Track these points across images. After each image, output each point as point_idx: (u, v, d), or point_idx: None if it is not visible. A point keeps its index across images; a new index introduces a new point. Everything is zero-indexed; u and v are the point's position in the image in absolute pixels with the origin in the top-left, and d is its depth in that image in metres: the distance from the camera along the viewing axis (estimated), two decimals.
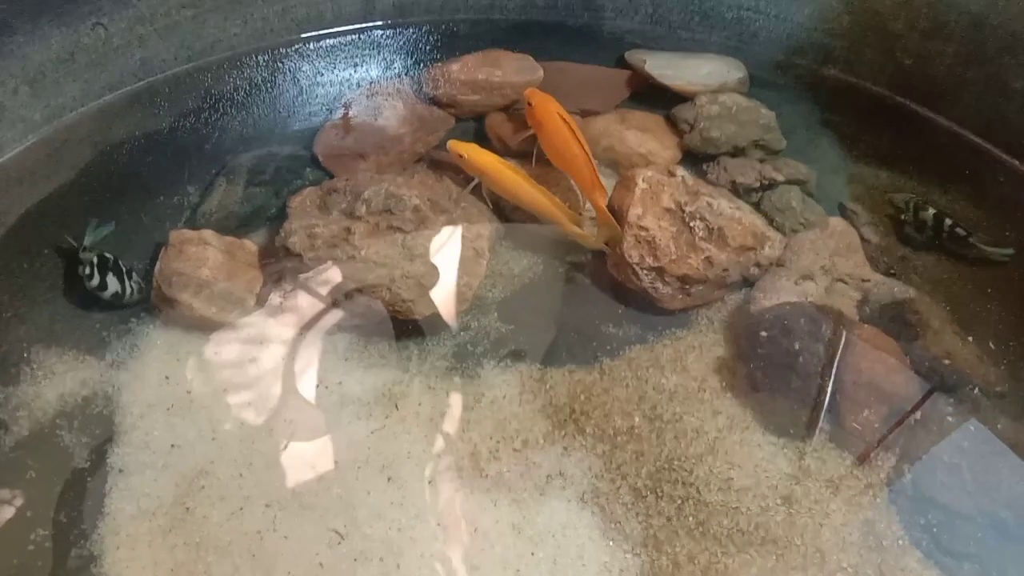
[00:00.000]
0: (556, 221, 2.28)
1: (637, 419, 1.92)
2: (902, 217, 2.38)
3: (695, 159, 2.55)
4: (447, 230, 2.21)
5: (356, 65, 2.89)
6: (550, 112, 2.35)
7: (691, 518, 1.75)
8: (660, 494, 1.79)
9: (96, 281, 2.02)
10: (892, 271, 2.25)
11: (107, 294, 2.04)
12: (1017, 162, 2.56)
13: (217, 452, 1.83)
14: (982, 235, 2.31)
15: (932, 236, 2.32)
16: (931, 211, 2.32)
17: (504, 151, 2.52)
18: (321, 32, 2.97)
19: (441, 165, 2.47)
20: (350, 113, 2.67)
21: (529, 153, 2.49)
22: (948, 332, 2.07)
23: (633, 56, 2.87)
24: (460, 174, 2.40)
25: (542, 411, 1.93)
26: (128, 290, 2.06)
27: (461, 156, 2.32)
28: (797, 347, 1.94)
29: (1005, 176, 2.55)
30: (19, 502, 1.73)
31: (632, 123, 2.63)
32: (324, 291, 2.08)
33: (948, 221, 2.29)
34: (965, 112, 2.66)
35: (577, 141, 2.30)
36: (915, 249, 2.34)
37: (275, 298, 2.11)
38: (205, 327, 2.05)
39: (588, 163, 2.28)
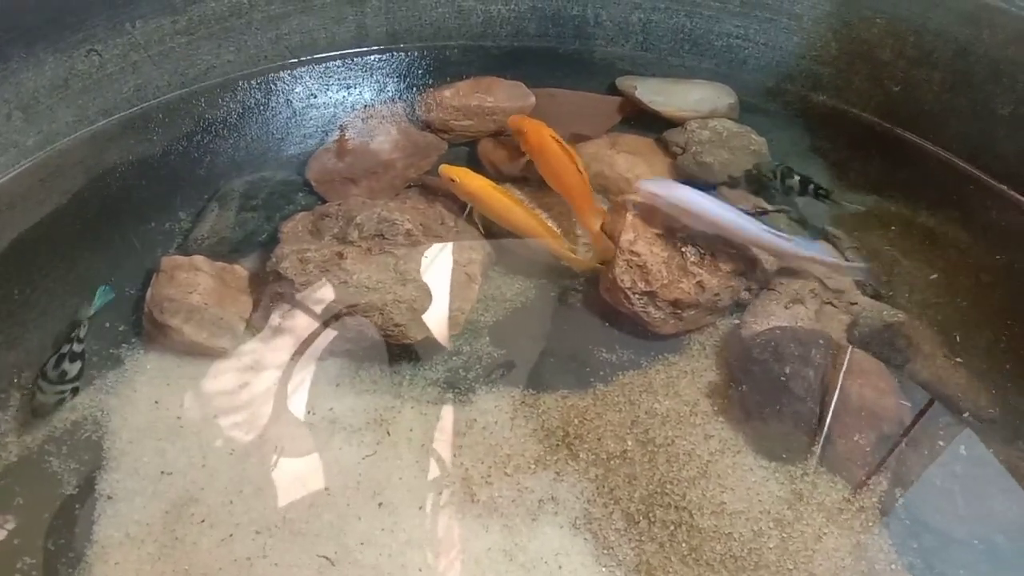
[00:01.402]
0: (549, 244, 2.29)
1: (630, 443, 1.92)
2: (769, 183, 2.53)
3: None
4: (439, 255, 2.22)
5: (349, 91, 2.91)
6: (545, 137, 2.37)
7: (684, 544, 1.74)
8: (653, 519, 1.78)
9: (75, 371, 1.92)
10: (881, 295, 2.26)
11: (69, 379, 1.91)
12: (1004, 187, 2.58)
13: (207, 479, 1.82)
14: (839, 194, 2.53)
15: (799, 194, 2.49)
16: (796, 177, 2.48)
17: (497, 176, 2.54)
18: (314, 58, 2.99)
19: (433, 190, 2.48)
20: (343, 138, 2.68)
21: (520, 178, 2.51)
22: (939, 356, 2.07)
23: (624, 83, 2.89)
24: (453, 199, 2.41)
25: (534, 436, 1.93)
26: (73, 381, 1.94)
27: (453, 180, 2.33)
28: (788, 371, 1.95)
29: (992, 201, 2.57)
30: (6, 529, 1.71)
31: (622, 147, 2.65)
32: (315, 316, 2.07)
33: (812, 185, 2.47)
34: (952, 138, 2.69)
35: (575, 165, 2.32)
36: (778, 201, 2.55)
37: (266, 323, 2.11)
38: (196, 352, 2.05)
39: (585, 186, 2.31)
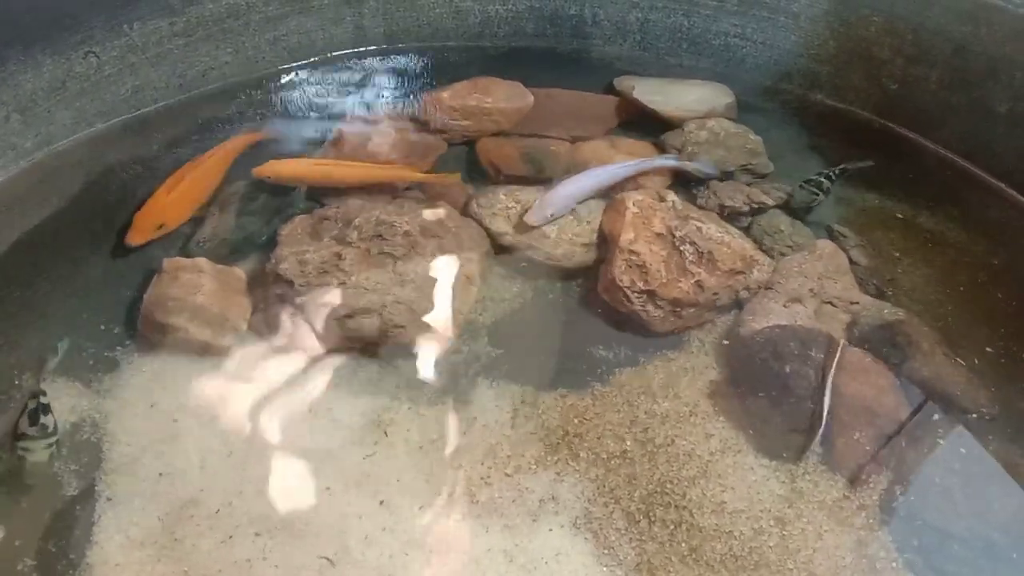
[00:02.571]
0: (398, 178, 2.44)
1: (629, 443, 1.92)
2: (813, 203, 2.48)
3: (685, 184, 2.57)
4: (437, 255, 2.22)
5: (347, 92, 2.91)
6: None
7: (684, 544, 1.74)
8: (653, 518, 1.78)
9: (52, 423, 1.85)
10: (881, 293, 2.27)
11: (51, 431, 1.84)
12: (1003, 184, 2.59)
13: (206, 480, 1.81)
14: (847, 164, 2.59)
15: (833, 183, 2.53)
16: (820, 179, 2.50)
17: (496, 177, 2.55)
18: (312, 60, 2.99)
19: (431, 192, 2.48)
20: (341, 139, 2.68)
21: (519, 178, 2.51)
22: (938, 354, 2.07)
23: (622, 82, 2.90)
24: (454, 200, 2.42)
25: (534, 435, 1.93)
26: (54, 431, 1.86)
27: (269, 176, 2.40)
28: (787, 370, 1.95)
29: (991, 198, 2.58)
30: (6, 531, 1.71)
31: (621, 148, 2.65)
32: (314, 317, 2.07)
33: (829, 172, 2.53)
34: (950, 136, 2.69)
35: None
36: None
37: (265, 324, 2.11)
38: (196, 352, 2.05)
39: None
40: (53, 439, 1.84)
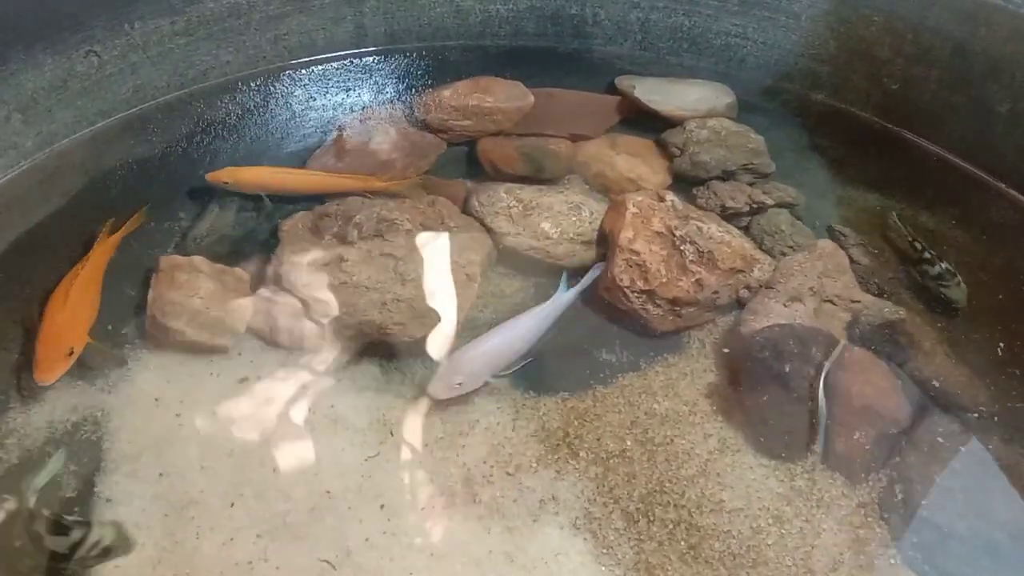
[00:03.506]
0: (357, 187, 2.41)
1: (629, 443, 1.92)
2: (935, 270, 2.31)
3: (685, 183, 2.57)
4: (438, 254, 2.22)
5: (348, 91, 2.91)
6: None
7: (683, 542, 1.74)
8: (652, 518, 1.78)
9: (77, 533, 1.65)
10: (882, 292, 2.26)
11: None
12: (1002, 185, 2.58)
13: (207, 481, 1.81)
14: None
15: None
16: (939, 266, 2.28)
17: (495, 175, 2.55)
18: (313, 59, 2.99)
19: (433, 189, 2.48)
20: (342, 138, 2.68)
21: (520, 178, 2.51)
22: (939, 353, 2.07)
23: (623, 82, 2.90)
24: (453, 198, 2.41)
25: (535, 436, 1.93)
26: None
27: (227, 182, 2.39)
28: (787, 369, 1.95)
29: (990, 198, 2.58)
30: (7, 532, 1.71)
31: (622, 148, 2.66)
32: (316, 316, 2.08)
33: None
34: (950, 136, 2.69)
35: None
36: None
37: (266, 324, 2.11)
38: (197, 352, 2.05)
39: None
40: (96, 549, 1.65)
